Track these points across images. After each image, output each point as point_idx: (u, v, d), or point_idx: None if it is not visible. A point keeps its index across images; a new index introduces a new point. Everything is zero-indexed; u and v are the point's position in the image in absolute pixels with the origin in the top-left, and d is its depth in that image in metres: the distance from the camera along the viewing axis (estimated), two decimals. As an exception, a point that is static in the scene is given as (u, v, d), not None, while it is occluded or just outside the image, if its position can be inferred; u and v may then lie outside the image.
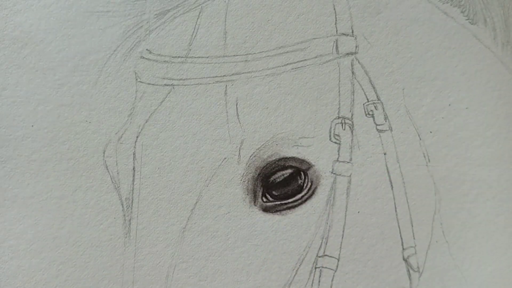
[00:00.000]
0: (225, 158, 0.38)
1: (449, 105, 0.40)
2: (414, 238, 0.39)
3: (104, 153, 0.37)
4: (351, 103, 0.39)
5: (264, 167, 0.38)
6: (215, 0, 0.38)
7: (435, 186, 0.39)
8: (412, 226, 0.39)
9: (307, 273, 0.38)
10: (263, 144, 0.38)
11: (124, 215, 0.37)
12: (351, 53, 0.39)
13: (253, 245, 0.38)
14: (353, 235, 0.38)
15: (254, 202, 0.38)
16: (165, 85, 0.37)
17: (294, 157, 0.38)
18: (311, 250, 0.38)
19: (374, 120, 0.39)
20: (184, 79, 0.37)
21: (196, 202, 0.37)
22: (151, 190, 0.37)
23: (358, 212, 0.38)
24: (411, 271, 0.39)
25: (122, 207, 0.37)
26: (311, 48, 0.38)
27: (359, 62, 0.39)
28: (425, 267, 0.39)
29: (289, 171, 0.38)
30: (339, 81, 0.38)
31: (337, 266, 0.38)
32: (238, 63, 0.38)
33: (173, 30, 0.37)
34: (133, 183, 0.37)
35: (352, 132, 0.39)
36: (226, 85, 0.38)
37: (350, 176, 0.38)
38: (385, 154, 0.39)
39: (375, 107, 0.39)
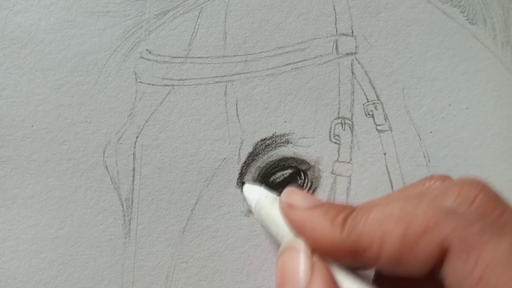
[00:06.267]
0: (225, 158, 0.38)
1: (449, 105, 0.40)
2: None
3: (104, 153, 0.37)
4: (351, 103, 0.39)
5: (264, 167, 0.38)
6: (215, 0, 0.38)
7: (435, 186, 0.39)
8: (412, 226, 0.39)
9: (307, 273, 0.38)
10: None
11: (124, 216, 0.37)
12: (351, 53, 0.39)
13: (253, 245, 0.38)
14: (353, 235, 0.38)
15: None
16: (165, 85, 0.37)
17: (294, 157, 0.38)
18: (311, 250, 0.38)
19: (374, 120, 0.39)
20: (184, 79, 0.37)
21: (196, 202, 0.37)
22: (151, 190, 0.37)
23: (358, 212, 0.38)
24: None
25: (122, 207, 0.37)
26: (311, 48, 0.38)
27: (359, 62, 0.39)
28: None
29: (289, 171, 0.38)
30: (339, 81, 0.39)
31: (337, 266, 0.38)
32: (238, 63, 0.38)
33: (173, 30, 0.37)
34: (133, 184, 0.37)
35: (352, 132, 0.39)
36: (226, 85, 0.38)
37: (350, 176, 0.38)
38: (385, 154, 0.39)
39: (375, 107, 0.39)
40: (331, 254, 0.29)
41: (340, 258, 0.29)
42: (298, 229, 0.31)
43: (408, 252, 0.27)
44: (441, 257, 0.26)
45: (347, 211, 0.30)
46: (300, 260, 0.30)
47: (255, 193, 0.36)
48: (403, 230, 0.27)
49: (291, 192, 0.33)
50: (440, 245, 0.26)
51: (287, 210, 0.32)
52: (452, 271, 0.26)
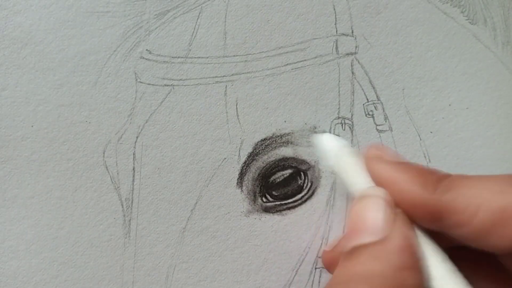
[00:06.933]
0: (225, 158, 0.38)
1: (449, 105, 0.40)
2: (414, 238, 0.39)
3: (104, 153, 0.37)
4: (351, 103, 0.39)
5: (264, 167, 0.38)
6: (215, 0, 0.38)
7: (435, 186, 0.39)
8: (412, 226, 0.39)
9: (307, 274, 0.38)
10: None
11: (124, 216, 0.37)
12: (351, 53, 0.39)
13: (253, 245, 0.38)
14: (353, 235, 0.38)
15: (254, 202, 0.38)
16: (165, 85, 0.37)
17: (294, 157, 0.38)
18: (311, 251, 0.38)
19: (374, 120, 0.39)
20: (184, 79, 0.37)
21: (196, 203, 0.37)
22: (151, 190, 0.37)
23: (358, 212, 0.38)
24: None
25: (122, 207, 0.37)
26: (311, 48, 0.38)
27: (359, 62, 0.39)
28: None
29: (289, 171, 0.38)
30: (339, 81, 0.38)
31: (337, 266, 0.38)
32: (238, 63, 0.38)
33: (173, 30, 0.37)
34: (133, 184, 0.37)
35: (352, 132, 0.39)
36: (226, 85, 0.38)
37: (350, 176, 0.38)
38: (385, 154, 0.39)
39: (375, 107, 0.39)
40: (415, 212, 0.28)
41: (423, 218, 0.28)
42: (383, 182, 0.30)
43: (499, 228, 0.26)
44: None
45: (442, 174, 0.29)
46: (382, 209, 0.29)
47: (331, 140, 0.36)
48: (504, 204, 0.26)
49: (379, 146, 0.33)
50: None
51: (374, 162, 0.31)
52: None
